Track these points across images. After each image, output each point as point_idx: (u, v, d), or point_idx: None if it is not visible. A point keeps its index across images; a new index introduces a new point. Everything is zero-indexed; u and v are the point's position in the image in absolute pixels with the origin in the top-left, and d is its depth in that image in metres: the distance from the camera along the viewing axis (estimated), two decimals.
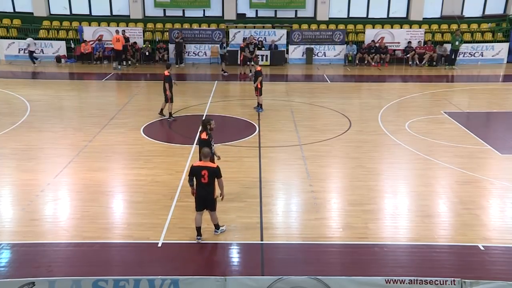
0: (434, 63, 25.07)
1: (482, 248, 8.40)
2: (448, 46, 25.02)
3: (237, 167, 11.86)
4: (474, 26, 26.52)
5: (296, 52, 26.05)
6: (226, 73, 22.68)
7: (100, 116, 16.00)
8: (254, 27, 26.44)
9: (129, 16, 27.09)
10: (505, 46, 25.57)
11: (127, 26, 26.57)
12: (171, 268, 7.75)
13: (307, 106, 17.86)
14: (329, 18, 26.91)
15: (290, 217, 9.73)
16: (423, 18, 26.59)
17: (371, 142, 13.80)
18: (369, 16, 27.10)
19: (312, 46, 25.82)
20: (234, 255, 8.41)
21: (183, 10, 27.46)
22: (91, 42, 25.42)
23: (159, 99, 16.13)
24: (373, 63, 25.17)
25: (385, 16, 27.02)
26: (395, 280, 6.54)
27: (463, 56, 25.52)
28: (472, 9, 26.74)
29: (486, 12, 26.81)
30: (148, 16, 27.40)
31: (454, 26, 26.04)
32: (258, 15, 27.38)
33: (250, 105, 17.55)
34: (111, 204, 10.19)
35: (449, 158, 12.42)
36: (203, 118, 10.44)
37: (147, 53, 25.52)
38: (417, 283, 6.43)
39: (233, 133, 14.41)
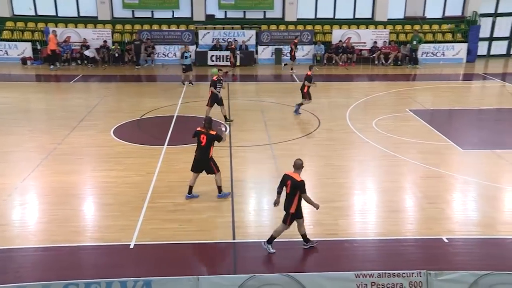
0: (399, 62, 25.69)
1: (446, 240, 8.70)
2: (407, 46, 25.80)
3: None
4: (435, 27, 27.31)
5: (265, 53, 26.26)
6: (192, 84, 21.04)
7: (68, 118, 15.79)
8: (223, 28, 26.51)
9: (97, 17, 26.74)
10: (464, 46, 26.46)
11: (95, 27, 26.26)
12: (143, 270, 7.76)
13: (277, 105, 18.04)
14: (297, 19, 27.22)
15: (262, 216, 9.86)
16: (388, 19, 27.20)
17: (340, 140, 14.07)
18: (336, 17, 27.53)
19: (281, 46, 26.07)
20: (207, 255, 8.47)
21: (152, 12, 27.29)
22: (60, 43, 25.00)
23: (129, 101, 16.05)
24: (340, 63, 25.60)
25: (351, 17, 27.49)
26: (364, 274, 6.71)
27: (426, 56, 26.25)
28: (433, 11, 27.54)
29: (446, 14, 27.66)
30: (117, 17, 27.11)
31: (417, 27, 26.76)
32: (227, 16, 27.46)
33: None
34: (81, 207, 10.10)
35: (414, 154, 12.78)
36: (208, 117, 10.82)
37: (116, 55, 25.28)
38: (385, 276, 6.62)
39: None
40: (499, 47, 28.28)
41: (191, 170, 10.15)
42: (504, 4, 27.52)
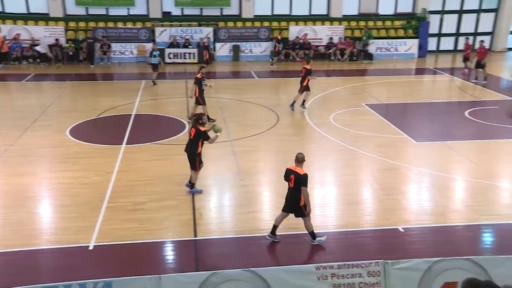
0: (355, 58, 26.23)
1: (402, 230, 8.99)
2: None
3: (168, 165, 11.86)
4: (388, 23, 28.06)
5: (223, 50, 26.23)
6: (155, 84, 20.74)
7: (21, 118, 15.31)
8: (180, 25, 26.29)
9: (48, 14, 25.96)
10: (415, 42, 27.31)
11: (47, 24, 25.51)
12: (104, 271, 7.64)
13: (236, 102, 18.09)
14: (254, 15, 27.32)
15: (223, 212, 9.90)
16: (343, 15, 27.72)
17: (299, 135, 14.26)
18: (292, 14, 27.80)
19: (239, 43, 26.11)
20: (168, 253, 8.45)
21: (107, 9, 26.74)
22: (7, 42, 24.12)
23: (85, 100, 15.71)
24: (298, 59, 25.88)
25: (307, 14, 27.83)
26: (324, 266, 6.82)
27: (380, 51, 26.91)
28: (386, 7, 28.28)
29: (398, 10, 28.47)
30: (70, 14, 26.41)
31: (370, 23, 27.40)
32: (184, 13, 27.25)
33: (179, 102, 17.52)
34: (36, 209, 9.84)
35: (371, 148, 13.11)
36: (192, 116, 10.81)
37: (70, 53, 24.65)
38: (344, 267, 6.75)
39: (163, 132, 14.35)
40: (447, 43, 29.33)
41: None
42: (451, 2, 28.58)
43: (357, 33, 27.37)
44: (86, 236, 8.60)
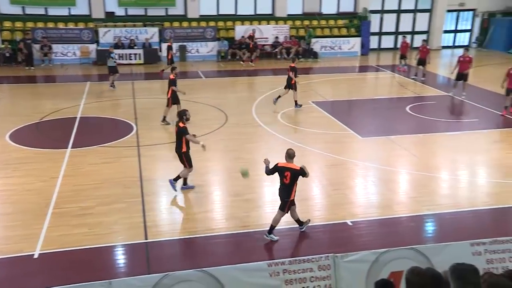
0: (300, 56, 26.64)
1: (350, 224, 9.25)
2: (311, 41, 26.93)
3: (116, 167, 11.63)
4: (331, 22, 28.71)
5: None
6: (114, 87, 19.95)
7: None
8: (125, 26, 25.79)
9: None
10: (358, 40, 28.11)
11: None
12: (50, 279, 7.40)
13: (184, 102, 17.85)
14: (200, 15, 27.21)
15: (174, 213, 9.84)
16: (288, 15, 28.10)
17: (248, 134, 14.35)
18: (237, 13, 27.89)
19: (185, 43, 25.92)
20: (119, 257, 8.31)
21: (46, 8, 25.81)
22: None
23: (26, 103, 15.13)
24: (244, 58, 26.00)
25: (253, 13, 28.01)
26: (276, 262, 6.88)
27: (325, 50, 27.50)
28: (329, 7, 28.93)
29: (340, 10, 29.17)
30: (4, 13, 25.28)
31: (315, 22, 27.96)
32: (128, 14, 26.74)
33: (126, 104, 17.20)
34: None
35: (318, 144, 13.39)
36: (179, 110, 11.02)
37: (7, 54, 23.63)
38: (296, 263, 6.84)
39: (110, 134, 14.05)
40: (388, 41, 30.38)
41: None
42: (389, 2, 29.64)
43: (302, 32, 27.84)
44: (31, 244, 8.30)
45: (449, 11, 30.40)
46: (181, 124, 10.29)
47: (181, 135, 10.24)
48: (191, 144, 10.52)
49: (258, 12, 28.11)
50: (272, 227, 8.66)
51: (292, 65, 16.95)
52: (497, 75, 21.19)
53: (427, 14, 30.46)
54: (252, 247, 8.55)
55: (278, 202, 10.21)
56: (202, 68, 24.19)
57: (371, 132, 14.64)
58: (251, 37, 25.97)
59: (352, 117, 16.58)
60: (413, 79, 21.80)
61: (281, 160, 8.78)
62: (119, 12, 26.56)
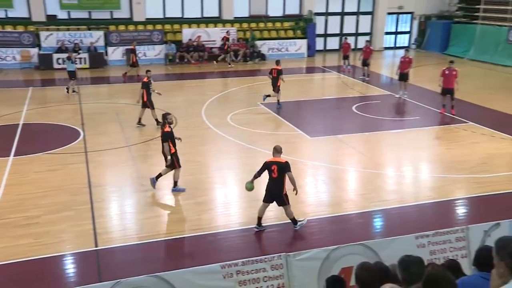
0: (248, 58, 26.82)
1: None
2: (258, 43, 27.18)
3: (63, 175, 11.31)
4: (278, 24, 29.08)
5: (116, 54, 25.46)
6: (75, 92, 19.22)
7: None
8: (68, 29, 25.08)
9: None
10: (304, 42, 28.62)
11: None
12: None
13: (132, 107, 17.62)
14: (146, 18, 26.84)
15: (125, 219, 9.68)
16: (234, 17, 28.20)
17: (197, 136, 14.32)
18: (184, 16, 27.73)
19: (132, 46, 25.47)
20: (68, 267, 8.10)
21: None
22: None
23: None
24: (192, 61, 25.91)
25: (200, 16, 27.94)
26: (229, 264, 6.91)
27: (272, 52, 27.82)
28: (275, 9, 29.28)
29: (286, 12, 29.62)
30: None
31: (261, 25, 28.25)
32: (71, 17, 25.98)
33: (71, 110, 16.74)
34: None
35: (268, 145, 13.38)
36: (163, 114, 10.95)
37: None
38: (249, 264, 6.89)
39: (56, 141, 13.62)
40: (333, 42, 31.08)
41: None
42: (333, 5, 30.36)
43: (249, 35, 28.02)
44: None
45: (389, 13, 31.51)
46: (166, 129, 10.44)
47: (165, 139, 10.43)
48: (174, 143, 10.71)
49: (205, 15, 28.04)
50: (293, 220, 8.95)
51: (279, 67, 17.33)
52: (435, 75, 22.10)
53: (369, 16, 31.43)
54: (205, 250, 8.56)
55: (230, 204, 10.32)
56: (152, 72, 23.79)
57: (319, 131, 14.95)
58: (227, 38, 26.07)
59: (300, 117, 16.86)
60: (361, 79, 22.42)
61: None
62: (62, 15, 25.74)
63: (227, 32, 26.60)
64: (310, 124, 15.74)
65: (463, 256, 7.12)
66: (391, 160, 13.06)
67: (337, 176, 11.77)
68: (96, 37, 25.01)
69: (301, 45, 28.57)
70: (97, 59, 24.54)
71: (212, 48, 26.84)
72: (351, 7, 30.90)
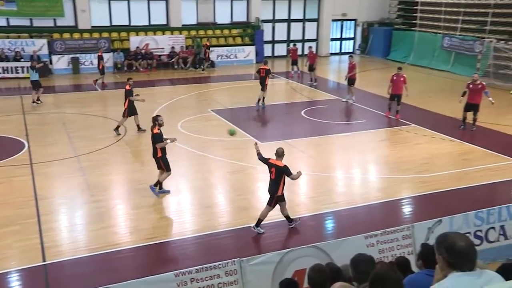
0: (197, 66, 26.78)
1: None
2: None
3: (7, 188, 10.92)
4: (226, 31, 29.23)
5: (61, 62, 24.75)
6: (40, 102, 18.74)
7: None
8: (8, 37, 24.17)
9: None
10: (252, 48, 28.92)
11: None
12: None
13: (80, 116, 17.26)
14: (92, 26, 26.28)
15: (75, 231, 9.44)
16: (182, 25, 28.10)
17: (148, 145, 14.01)
18: (131, 24, 27.36)
19: (78, 55, 24.91)
20: (14, 284, 7.80)
21: None
22: None
23: None
24: (141, 69, 25.60)
25: (147, 24, 27.66)
26: (183, 272, 6.90)
27: (221, 59, 27.94)
28: (222, 17, 29.42)
29: (234, 20, 29.83)
30: None
31: (210, 32, 28.32)
32: (11, 24, 25.05)
33: (15, 121, 16.15)
34: None
35: (219, 152, 13.59)
36: (153, 116, 10.89)
37: None
38: (203, 271, 6.89)
39: None
40: (281, 49, 31.55)
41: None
42: (280, 12, 30.85)
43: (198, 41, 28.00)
44: None
45: (334, 20, 32.37)
46: (155, 131, 10.47)
47: (154, 141, 10.45)
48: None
49: (152, 23, 27.78)
50: (259, 220, 9.18)
51: (266, 67, 18.45)
52: (379, 79, 23.00)
53: (315, 23, 32.16)
54: (159, 259, 8.51)
55: (183, 211, 10.30)
56: (98, 80, 23.33)
57: (269, 137, 15.14)
58: (207, 46, 26.30)
59: (251, 123, 17.01)
60: (309, 84, 22.87)
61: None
62: (1, 22, 24.80)
63: (207, 39, 27.13)
64: (261, 129, 15.94)
65: (409, 253, 7.43)
66: (340, 162, 13.42)
67: (288, 180, 11.91)
68: (39, 46, 24.23)
69: (250, 51, 28.85)
70: (42, 68, 23.72)
71: (160, 55, 26.62)
72: (297, 14, 31.51)
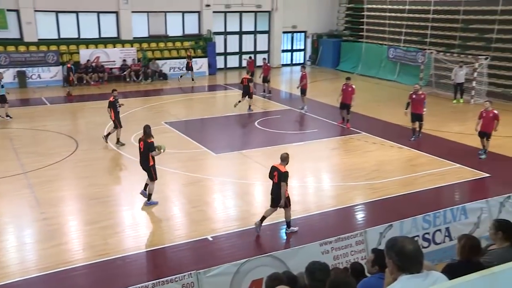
0: (149, 78, 26.55)
1: (211, 239, 9.51)
2: (160, 62, 27.12)
3: None
4: (178, 44, 29.15)
5: (6, 76, 23.82)
6: (9, 118, 18.17)
7: None
8: None
9: None
10: (205, 61, 28.99)
11: None
12: None
13: (28, 131, 16.73)
14: (39, 39, 25.56)
15: (23, 251, 9.12)
16: (134, 38, 27.79)
17: (101, 159, 13.91)
18: (81, 37, 26.83)
19: (24, 68, 24.15)
20: None
21: None
22: None
23: None
24: (92, 82, 25.11)
25: (97, 36, 27.20)
26: (139, 287, 6.84)
27: (174, 71, 27.82)
28: (174, 29, 29.34)
29: (186, 32, 29.82)
30: None
31: (162, 44, 28.18)
32: None
33: None
34: None
35: (174, 164, 13.52)
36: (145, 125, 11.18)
37: None
38: (159, 285, 6.84)
39: None
40: (233, 61, 31.80)
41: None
42: (231, 24, 31.11)
43: (149, 54, 27.78)
44: None
45: (284, 32, 32.95)
46: (149, 140, 10.81)
47: (148, 150, 10.74)
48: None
49: (102, 36, 27.34)
50: (287, 223, 9.73)
51: (248, 76, 19.78)
52: (330, 89, 23.57)
53: (266, 35, 32.63)
54: (114, 275, 8.36)
55: (139, 225, 10.15)
56: (46, 94, 22.73)
57: (224, 148, 15.20)
58: (189, 56, 26.81)
59: (205, 135, 17.01)
60: (262, 95, 23.13)
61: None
62: None
63: (188, 50, 27.48)
64: (215, 141, 15.95)
65: (363, 258, 7.63)
66: (294, 172, 13.51)
67: (243, 191, 12.04)
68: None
69: (202, 63, 28.89)
70: None
71: (112, 68, 26.21)
72: (248, 26, 31.87)
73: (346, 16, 32.51)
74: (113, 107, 15.01)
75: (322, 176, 13.48)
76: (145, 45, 28.00)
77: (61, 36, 26.41)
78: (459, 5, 24.24)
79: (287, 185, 9.38)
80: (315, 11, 32.95)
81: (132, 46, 27.25)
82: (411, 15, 27.01)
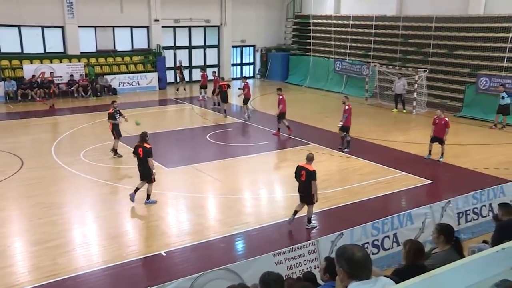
0: (99, 93, 26.07)
1: (164, 254, 9.43)
2: (108, 78, 26.73)
3: None
4: (127, 58, 28.83)
5: None
6: None
7: None
8: None
9: None
10: (155, 75, 28.84)
11: None
12: None
13: None
14: None
15: None
16: (81, 52, 27.24)
17: (48, 177, 13.52)
18: (24, 52, 26.03)
19: None
20: None
21: None
22: None
23: None
24: (37, 98, 24.37)
25: (43, 51, 26.48)
26: None
27: (123, 86, 27.49)
28: (123, 44, 29.01)
29: (135, 47, 29.55)
30: None
31: (110, 59, 27.78)
32: None
33: None
34: None
35: (125, 179, 13.35)
36: (142, 133, 11.94)
37: None
38: None
39: None
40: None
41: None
42: (180, 39, 31.19)
43: (98, 70, 27.30)
44: None
45: (234, 46, 33.28)
46: (147, 145, 11.51)
47: (147, 155, 11.39)
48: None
49: (48, 51, 26.63)
50: (308, 219, 10.53)
51: (226, 82, 21.48)
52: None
53: (216, 49, 32.83)
54: None
55: (90, 243, 9.90)
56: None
57: (176, 162, 15.14)
58: (180, 67, 27.88)
59: (156, 149, 16.68)
60: (212, 108, 23.22)
61: None
62: None
63: (179, 61, 28.55)
64: (167, 155, 15.84)
65: (316, 267, 7.81)
66: (247, 184, 13.75)
67: (196, 204, 12.03)
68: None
69: (152, 78, 28.70)
70: None
71: (58, 84, 25.53)
72: (197, 41, 31.97)
73: (294, 31, 33.23)
74: (112, 118, 15.39)
75: (274, 187, 13.67)
76: (93, 60, 27.51)
77: (2, 51, 25.53)
78: (398, 21, 25.40)
79: (314, 182, 10.13)
80: (263, 25, 33.54)
81: (79, 61, 26.70)
82: (354, 29, 28.01)
